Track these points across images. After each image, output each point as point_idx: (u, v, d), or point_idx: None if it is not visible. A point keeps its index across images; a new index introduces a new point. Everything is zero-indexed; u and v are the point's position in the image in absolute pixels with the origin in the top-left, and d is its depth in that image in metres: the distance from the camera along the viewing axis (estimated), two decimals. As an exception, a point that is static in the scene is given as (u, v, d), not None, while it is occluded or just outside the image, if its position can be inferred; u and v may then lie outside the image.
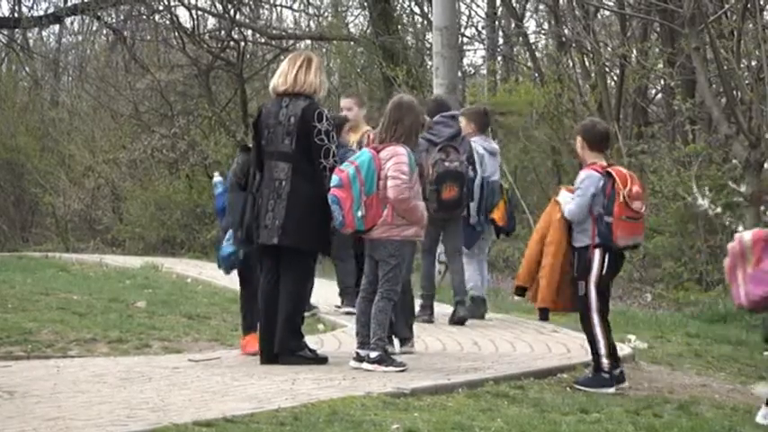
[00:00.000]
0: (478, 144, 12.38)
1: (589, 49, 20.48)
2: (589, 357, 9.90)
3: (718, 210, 16.46)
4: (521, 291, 9.40)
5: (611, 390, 8.90)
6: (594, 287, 8.94)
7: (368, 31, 27.54)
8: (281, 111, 9.34)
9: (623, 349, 10.52)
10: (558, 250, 9.02)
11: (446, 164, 11.63)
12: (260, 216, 9.32)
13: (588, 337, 9.07)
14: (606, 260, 8.94)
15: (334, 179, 8.95)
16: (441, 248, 12.58)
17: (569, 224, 9.03)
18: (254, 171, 9.49)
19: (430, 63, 24.73)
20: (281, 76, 9.43)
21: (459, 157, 11.69)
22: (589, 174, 8.97)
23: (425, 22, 27.03)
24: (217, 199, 10.22)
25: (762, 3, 17.21)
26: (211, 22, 29.74)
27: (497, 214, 12.37)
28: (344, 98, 13.02)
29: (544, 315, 9.58)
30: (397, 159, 8.98)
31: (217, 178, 10.35)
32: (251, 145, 9.78)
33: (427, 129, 11.82)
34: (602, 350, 8.97)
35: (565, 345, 10.50)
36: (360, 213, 8.91)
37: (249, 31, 28.95)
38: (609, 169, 8.96)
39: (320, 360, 9.27)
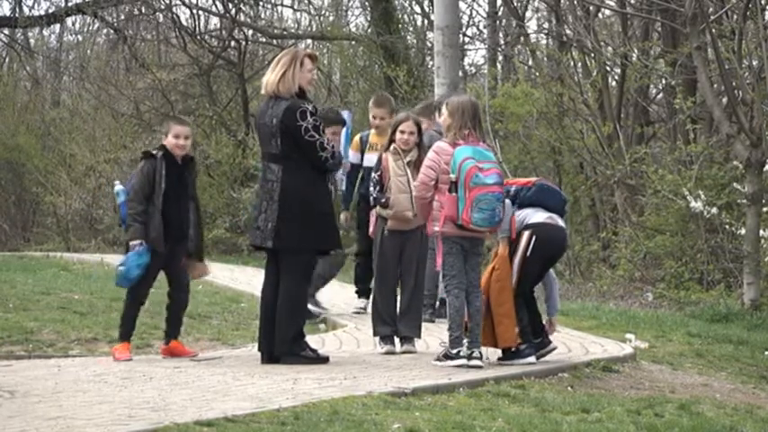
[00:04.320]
0: None
1: (590, 48, 20.46)
2: (590, 357, 9.94)
3: (714, 211, 16.44)
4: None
5: (531, 359, 9.26)
6: (518, 268, 9.24)
7: (369, 30, 27.54)
8: (267, 112, 9.36)
9: (624, 349, 10.53)
10: (505, 286, 9.23)
11: None
12: (255, 217, 9.38)
13: None
14: (532, 242, 9.22)
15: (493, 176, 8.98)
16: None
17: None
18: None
19: (431, 62, 24.73)
20: (264, 78, 9.50)
21: None
22: None
23: (426, 22, 27.04)
24: (120, 208, 9.76)
25: (763, 2, 17.19)
26: (212, 21, 29.80)
27: None
28: (376, 108, 12.33)
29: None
30: None
31: (118, 187, 9.83)
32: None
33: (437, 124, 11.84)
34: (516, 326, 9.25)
35: (566, 344, 10.49)
36: None
37: (250, 31, 28.96)
38: None
39: (321, 360, 9.26)
